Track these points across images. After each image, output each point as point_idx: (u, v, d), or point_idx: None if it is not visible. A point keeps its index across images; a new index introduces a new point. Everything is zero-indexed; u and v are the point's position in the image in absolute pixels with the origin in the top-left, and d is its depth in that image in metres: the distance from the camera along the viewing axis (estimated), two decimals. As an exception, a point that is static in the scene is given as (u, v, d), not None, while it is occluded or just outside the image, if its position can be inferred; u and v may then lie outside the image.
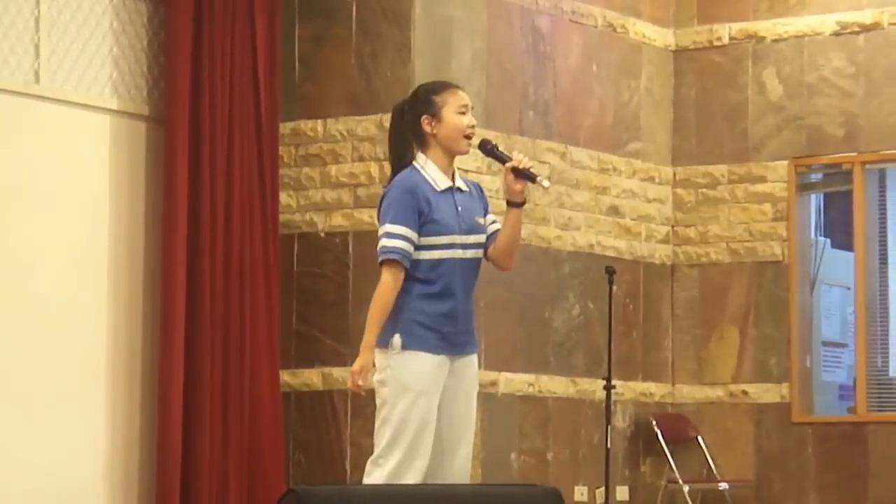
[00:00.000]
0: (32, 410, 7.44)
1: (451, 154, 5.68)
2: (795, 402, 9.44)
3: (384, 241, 5.56)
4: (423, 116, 5.64)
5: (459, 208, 5.67)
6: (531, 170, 5.66)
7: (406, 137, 5.72)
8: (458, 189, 5.70)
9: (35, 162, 7.53)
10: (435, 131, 5.64)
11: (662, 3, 9.74)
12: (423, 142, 5.67)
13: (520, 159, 5.66)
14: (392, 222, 5.57)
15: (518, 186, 5.65)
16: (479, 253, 5.72)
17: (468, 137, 5.67)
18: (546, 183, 5.70)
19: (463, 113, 5.66)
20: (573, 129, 9.12)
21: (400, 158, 5.71)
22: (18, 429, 7.38)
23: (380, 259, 5.58)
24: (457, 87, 5.76)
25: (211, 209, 7.82)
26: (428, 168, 5.65)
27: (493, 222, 5.77)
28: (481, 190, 5.81)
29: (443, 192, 5.65)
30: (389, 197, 5.62)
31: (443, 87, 5.76)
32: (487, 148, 5.79)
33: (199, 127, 7.80)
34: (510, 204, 5.67)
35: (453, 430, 5.67)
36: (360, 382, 5.56)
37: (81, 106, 7.66)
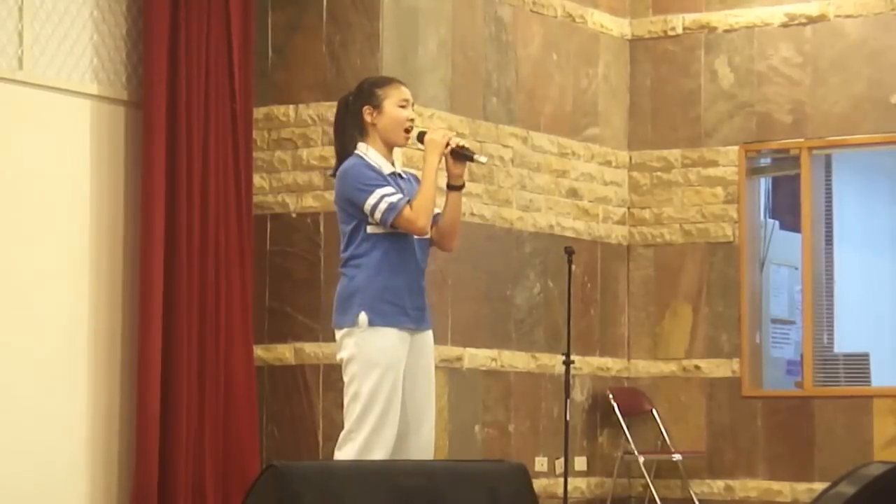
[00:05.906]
0: (14, 387, 7.48)
1: (389, 144, 5.77)
2: (745, 376, 9.54)
3: (389, 199, 5.61)
4: (365, 107, 5.74)
5: (404, 191, 5.75)
6: (468, 148, 5.74)
7: (349, 128, 5.79)
8: (399, 175, 5.80)
9: (19, 145, 7.57)
10: (375, 122, 5.73)
11: (619, -7, 9.83)
12: (363, 131, 5.76)
13: (455, 141, 5.73)
14: (378, 186, 5.64)
15: (458, 170, 5.73)
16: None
17: (406, 131, 5.76)
18: (483, 158, 5.73)
19: (403, 107, 5.74)
20: (534, 115, 9.21)
21: (344, 147, 5.79)
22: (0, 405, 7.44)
23: (394, 214, 5.60)
24: (400, 82, 5.84)
25: (187, 190, 7.85)
26: (370, 154, 5.75)
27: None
28: (418, 180, 5.85)
29: (388, 175, 5.74)
30: (356, 177, 5.68)
31: (386, 81, 5.87)
32: (423, 139, 5.79)
33: (176, 111, 7.82)
34: (450, 188, 5.77)
35: (416, 406, 5.75)
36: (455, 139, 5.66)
37: (63, 91, 7.70)
